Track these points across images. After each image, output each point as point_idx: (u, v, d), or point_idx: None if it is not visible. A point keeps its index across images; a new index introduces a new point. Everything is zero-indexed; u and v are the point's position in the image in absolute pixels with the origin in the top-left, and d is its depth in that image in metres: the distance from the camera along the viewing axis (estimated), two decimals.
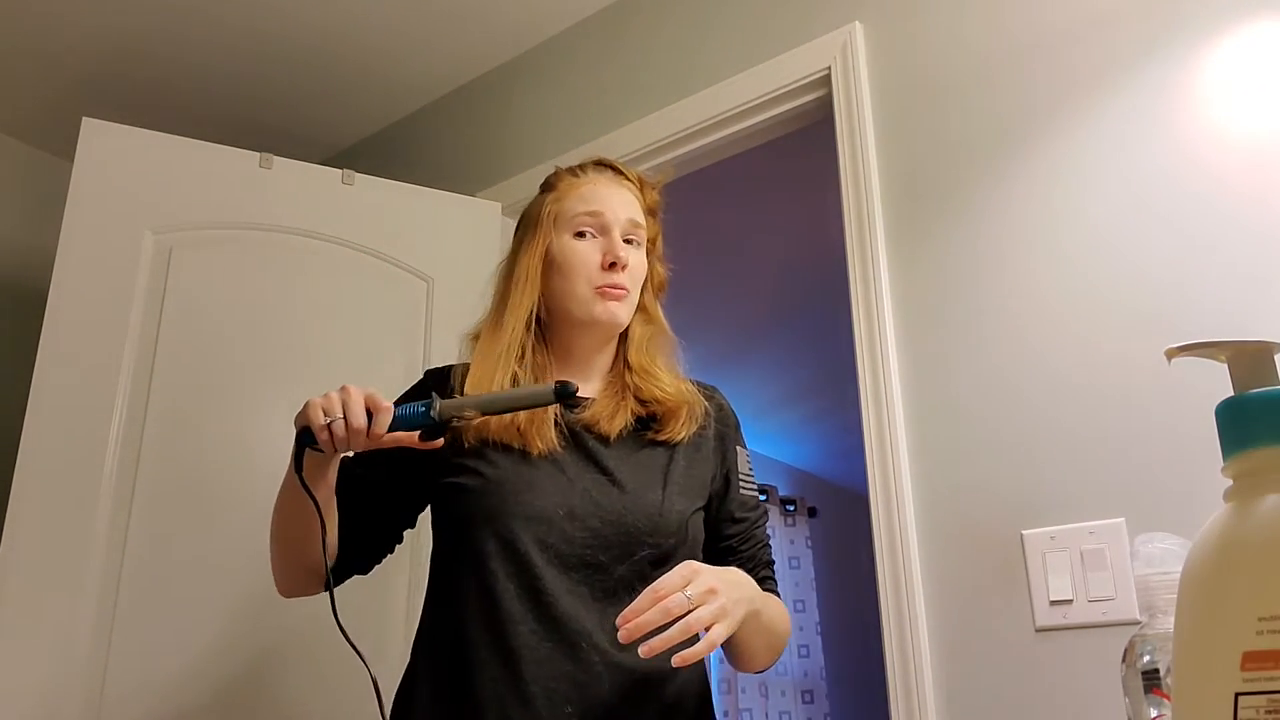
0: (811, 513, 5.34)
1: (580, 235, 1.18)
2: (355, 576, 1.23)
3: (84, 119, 1.83)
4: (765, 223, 3.00)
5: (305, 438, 1.03)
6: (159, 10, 2.16)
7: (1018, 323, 1.45)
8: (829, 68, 1.73)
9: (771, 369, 4.11)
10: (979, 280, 1.50)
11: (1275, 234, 1.26)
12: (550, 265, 1.19)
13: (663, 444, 1.16)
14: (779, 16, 1.85)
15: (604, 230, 1.18)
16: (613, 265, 1.16)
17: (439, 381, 1.21)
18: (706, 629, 0.93)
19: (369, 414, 1.01)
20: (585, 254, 1.17)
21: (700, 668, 1.14)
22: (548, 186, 1.26)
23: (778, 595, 1.18)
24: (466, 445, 1.13)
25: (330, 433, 1.00)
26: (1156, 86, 1.40)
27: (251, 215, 1.91)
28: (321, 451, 1.04)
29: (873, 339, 1.56)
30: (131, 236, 1.79)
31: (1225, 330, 1.26)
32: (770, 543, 1.24)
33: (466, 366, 1.20)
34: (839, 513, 5.32)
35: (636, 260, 1.20)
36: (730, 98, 1.86)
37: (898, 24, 1.69)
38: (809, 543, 5.23)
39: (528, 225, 1.24)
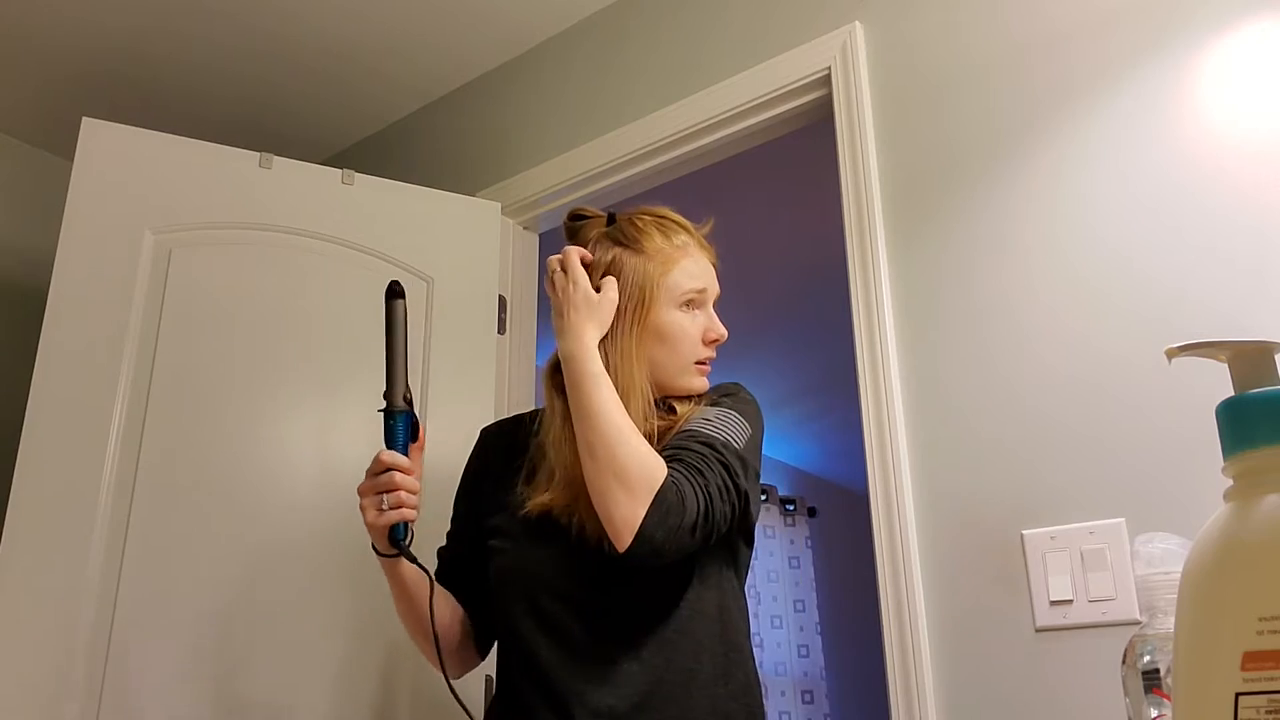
0: (811, 513, 5.34)
1: (684, 308, 1.22)
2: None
3: (84, 119, 1.83)
4: (765, 222, 3.01)
5: (395, 535, 1.13)
6: (159, 10, 2.16)
7: (1018, 322, 1.45)
8: (829, 68, 1.73)
9: (771, 369, 4.11)
10: (979, 280, 1.50)
11: (1275, 234, 1.26)
12: (651, 333, 1.20)
13: None
14: (779, 16, 1.86)
15: (703, 305, 1.24)
16: (714, 341, 1.23)
17: (509, 438, 1.30)
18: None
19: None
20: (690, 329, 1.22)
21: (749, 699, 1.17)
22: (632, 244, 1.21)
23: (676, 469, 1.05)
24: (509, 505, 1.19)
25: (391, 504, 1.11)
26: (1156, 86, 1.40)
27: (251, 215, 1.91)
28: (402, 539, 1.14)
29: (873, 339, 1.56)
30: (131, 236, 1.79)
31: (1225, 330, 1.26)
32: (699, 454, 1.09)
33: (535, 414, 1.28)
34: (839, 513, 5.31)
35: None
36: (730, 98, 1.86)
37: (898, 24, 1.69)
38: (809, 543, 5.23)
39: (636, 291, 1.20)
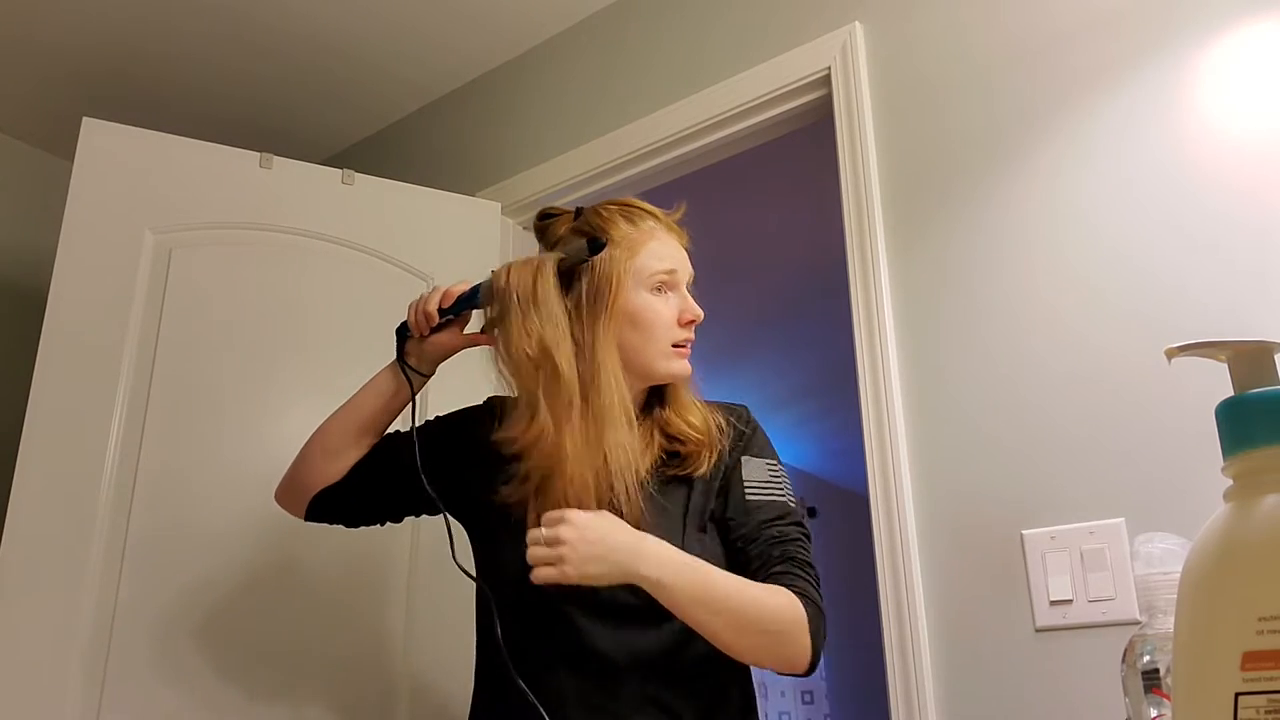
0: (811, 513, 5.34)
1: (656, 291, 1.20)
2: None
3: (84, 119, 1.83)
4: (765, 222, 3.01)
5: (401, 330, 1.27)
6: (159, 9, 2.16)
7: (1018, 322, 1.45)
8: (829, 68, 1.73)
9: (771, 369, 4.11)
10: (979, 280, 1.50)
11: (1275, 233, 1.26)
12: (623, 319, 1.18)
13: (684, 478, 1.19)
14: (779, 16, 1.86)
15: (675, 287, 1.21)
16: (689, 322, 1.20)
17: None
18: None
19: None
20: (663, 311, 1.19)
21: (738, 699, 1.17)
22: (598, 233, 1.21)
23: (799, 590, 1.10)
24: (514, 498, 1.17)
25: (414, 311, 1.24)
26: (1156, 86, 1.40)
27: (251, 215, 1.91)
28: (410, 336, 1.27)
29: (873, 339, 1.56)
30: (131, 236, 1.79)
31: (1225, 330, 1.26)
32: (797, 540, 1.16)
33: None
34: (839, 513, 5.32)
35: None
36: (730, 98, 1.86)
37: (897, 24, 1.69)
38: None
39: (603, 280, 1.19)
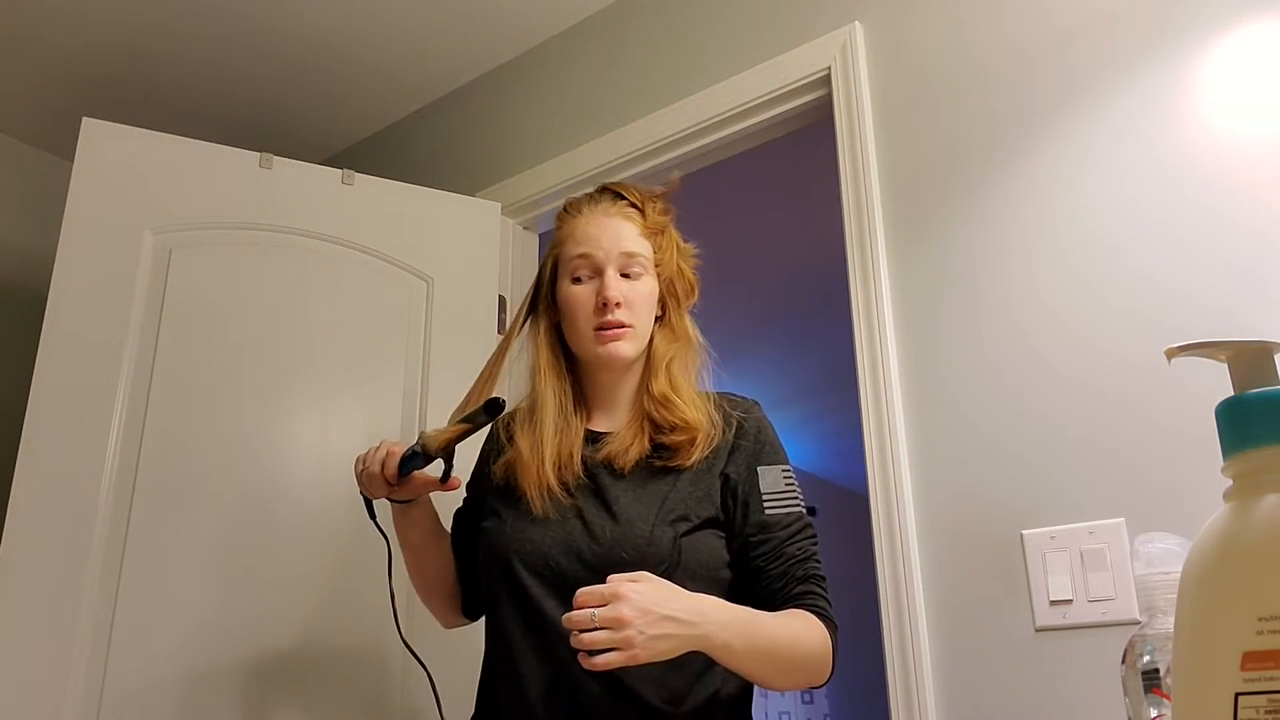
0: (811, 512, 5.32)
1: (577, 280, 1.21)
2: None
3: (84, 119, 1.83)
4: (765, 223, 3.01)
5: (364, 493, 1.25)
6: (159, 9, 2.16)
7: (1018, 322, 1.45)
8: (829, 68, 1.73)
9: (771, 369, 4.11)
10: (979, 280, 1.50)
11: (1275, 234, 1.26)
12: (559, 309, 1.24)
13: (673, 470, 1.18)
14: (779, 16, 1.86)
15: (597, 271, 1.21)
16: (604, 306, 1.18)
17: (492, 438, 1.34)
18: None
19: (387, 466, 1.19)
20: (582, 299, 1.20)
21: (726, 692, 1.14)
22: (559, 224, 1.29)
23: (820, 610, 1.12)
24: (497, 486, 1.23)
25: (360, 478, 1.21)
26: (1156, 87, 1.40)
27: (251, 215, 1.91)
28: (374, 499, 1.24)
29: (873, 339, 1.56)
30: (131, 236, 1.79)
31: (1225, 330, 1.26)
32: (814, 556, 1.18)
33: (511, 415, 1.28)
34: (839, 513, 5.31)
35: (637, 291, 1.21)
36: (730, 98, 1.86)
37: (898, 24, 1.69)
38: None
39: (542, 270, 1.29)
